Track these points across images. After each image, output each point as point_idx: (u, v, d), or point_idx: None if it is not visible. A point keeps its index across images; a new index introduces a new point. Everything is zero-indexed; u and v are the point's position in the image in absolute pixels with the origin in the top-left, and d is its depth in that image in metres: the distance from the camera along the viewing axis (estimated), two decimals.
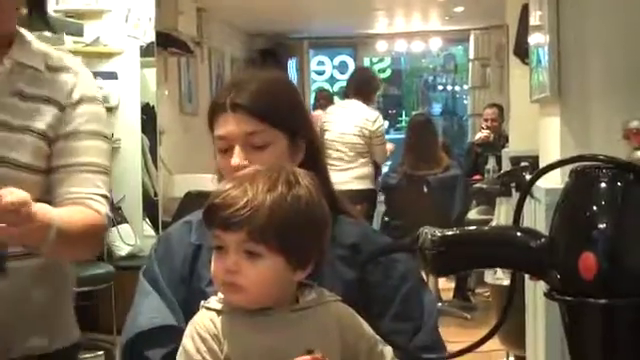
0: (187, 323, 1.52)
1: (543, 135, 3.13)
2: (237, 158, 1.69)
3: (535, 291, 2.92)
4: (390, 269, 1.75)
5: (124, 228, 6.26)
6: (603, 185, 1.03)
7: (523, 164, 3.93)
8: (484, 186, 5.71)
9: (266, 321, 1.45)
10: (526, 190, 1.12)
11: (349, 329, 1.49)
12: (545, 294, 1.08)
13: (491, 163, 6.47)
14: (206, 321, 1.46)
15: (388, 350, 1.51)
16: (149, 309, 1.72)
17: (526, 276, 2.93)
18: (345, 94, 6.87)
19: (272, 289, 1.44)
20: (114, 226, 6.16)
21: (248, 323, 1.44)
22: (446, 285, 7.14)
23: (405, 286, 1.76)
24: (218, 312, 1.46)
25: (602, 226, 1.01)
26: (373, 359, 1.50)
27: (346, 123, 6.35)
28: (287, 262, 1.43)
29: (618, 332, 1.03)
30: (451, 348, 1.80)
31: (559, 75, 2.82)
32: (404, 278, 1.76)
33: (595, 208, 1.03)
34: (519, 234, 1.11)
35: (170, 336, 1.66)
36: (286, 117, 1.74)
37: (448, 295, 6.87)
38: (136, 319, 1.72)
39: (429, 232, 1.16)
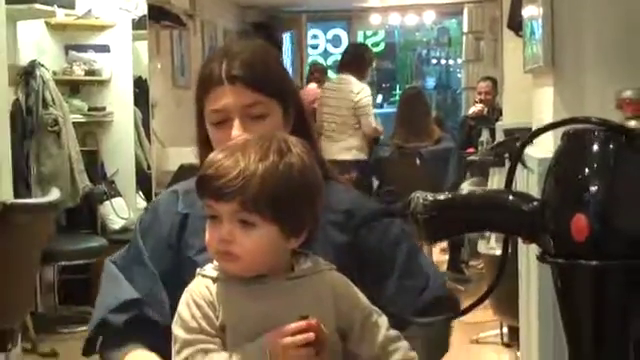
0: (175, 293, 1.52)
1: (536, 106, 3.12)
2: (237, 130, 1.67)
3: (528, 260, 2.92)
4: (385, 233, 1.76)
5: (117, 201, 6.27)
6: (595, 147, 1.03)
7: (517, 136, 3.93)
8: (477, 158, 5.72)
9: (261, 289, 1.45)
10: (518, 153, 1.12)
11: (343, 298, 1.50)
12: (537, 257, 1.08)
13: (485, 136, 6.46)
14: (202, 288, 1.46)
15: (383, 320, 1.52)
16: (115, 291, 1.74)
17: (519, 244, 2.93)
18: (339, 69, 7.11)
19: (267, 257, 1.45)
20: (108, 200, 6.17)
21: (243, 291, 1.45)
22: (440, 258, 7.17)
23: (404, 246, 1.77)
24: (214, 279, 1.47)
25: (594, 188, 1.01)
26: (368, 328, 1.51)
27: (338, 98, 6.66)
28: (281, 230, 1.44)
29: (609, 294, 1.03)
30: None
31: (552, 46, 2.81)
32: (400, 240, 1.77)
33: (587, 170, 1.02)
34: (511, 198, 1.11)
35: (135, 305, 1.69)
36: (279, 87, 1.74)
37: (442, 268, 6.88)
38: (102, 304, 1.74)
39: (421, 197, 1.16)
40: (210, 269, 1.49)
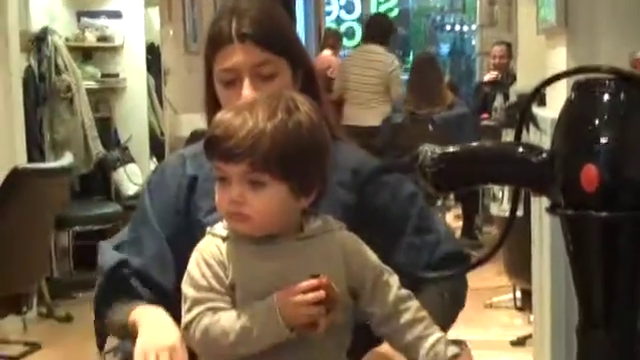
0: (185, 255, 1.52)
1: (549, 67, 3.10)
2: (247, 90, 1.66)
3: (541, 223, 2.92)
4: (395, 192, 1.76)
5: (131, 168, 6.27)
6: (606, 97, 1.01)
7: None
8: (492, 123, 5.68)
9: (271, 248, 1.45)
10: (530, 100, 1.10)
11: (354, 256, 1.49)
12: (547, 209, 1.07)
13: (499, 101, 6.43)
14: (212, 247, 1.46)
15: (394, 279, 1.51)
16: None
17: (532, 208, 2.92)
18: (365, 40, 7.48)
19: (277, 217, 1.44)
20: (121, 166, 6.18)
21: (253, 250, 1.45)
22: (454, 224, 7.15)
23: (417, 204, 1.77)
24: (223, 238, 1.46)
25: (604, 138, 1.00)
26: (379, 287, 1.50)
27: (367, 67, 6.99)
28: (291, 189, 1.43)
29: (619, 245, 1.02)
30: None
31: (566, 6, 2.78)
32: (413, 197, 1.77)
33: (597, 120, 1.01)
34: (520, 149, 1.10)
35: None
36: (288, 45, 1.73)
37: (456, 234, 6.88)
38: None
39: (429, 150, 1.15)
40: (220, 228, 1.49)
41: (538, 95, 1.08)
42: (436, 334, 1.49)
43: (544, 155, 1.07)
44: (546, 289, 2.97)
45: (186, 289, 1.46)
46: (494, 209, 4.22)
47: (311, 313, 1.38)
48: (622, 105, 1.01)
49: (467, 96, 8.37)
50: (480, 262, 1.24)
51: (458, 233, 6.85)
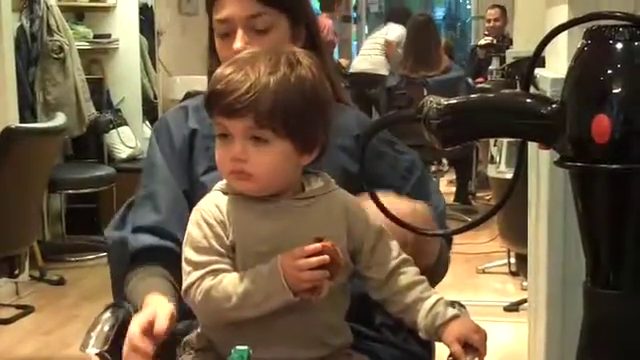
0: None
1: (549, 26, 3.04)
2: (239, 42, 1.64)
3: (538, 183, 2.88)
4: (396, 161, 1.75)
5: (124, 130, 6.22)
6: (619, 45, 0.97)
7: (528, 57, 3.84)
8: (487, 86, 5.65)
9: (273, 209, 1.42)
10: (536, 55, 1.06)
11: (356, 217, 1.46)
12: (555, 162, 1.03)
13: (494, 64, 6.39)
14: (212, 207, 1.42)
15: (394, 244, 1.49)
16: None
17: (529, 169, 2.87)
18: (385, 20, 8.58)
19: (280, 175, 1.41)
20: (114, 128, 6.13)
21: (255, 210, 1.41)
22: (447, 189, 7.14)
23: (413, 176, 1.77)
24: (224, 192, 1.43)
25: (617, 88, 0.96)
26: (378, 249, 1.48)
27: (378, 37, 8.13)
28: (294, 146, 1.40)
29: (631, 198, 0.99)
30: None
31: None
32: (411, 169, 1.76)
33: (610, 69, 0.97)
34: (529, 100, 1.06)
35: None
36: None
37: (449, 199, 6.86)
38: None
39: (434, 101, 1.11)
40: (220, 186, 1.46)
41: (548, 43, 1.04)
42: (435, 295, 1.47)
43: (554, 106, 1.03)
44: (542, 252, 2.95)
45: (187, 251, 1.42)
46: (492, 171, 4.20)
47: (314, 277, 1.35)
48: (636, 53, 0.97)
49: (462, 60, 8.33)
50: (483, 219, 1.21)
51: (451, 198, 6.83)
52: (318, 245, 1.35)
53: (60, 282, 4.97)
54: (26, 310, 4.50)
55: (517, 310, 4.29)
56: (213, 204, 1.43)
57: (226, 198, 1.43)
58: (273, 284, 1.35)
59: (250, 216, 1.41)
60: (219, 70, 1.42)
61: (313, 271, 1.34)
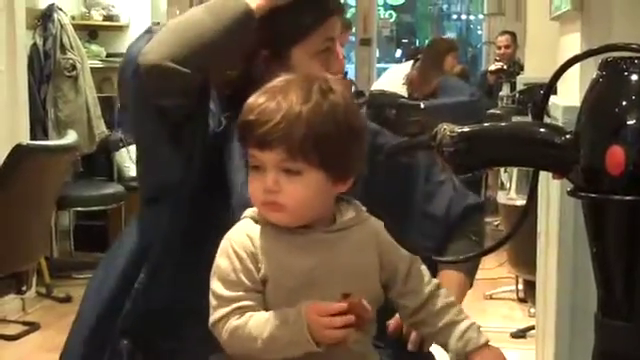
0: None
1: (562, 54, 3.05)
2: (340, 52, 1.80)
3: (548, 210, 2.88)
4: (408, 173, 1.82)
5: (134, 149, 6.22)
6: (634, 76, 0.97)
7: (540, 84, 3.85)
8: (498, 112, 5.64)
9: (305, 241, 1.40)
10: (550, 85, 1.06)
11: (387, 244, 1.41)
12: (569, 192, 1.03)
13: (505, 90, 6.38)
14: (243, 237, 1.39)
15: (425, 269, 1.49)
16: None
17: (539, 196, 2.87)
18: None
19: (313, 205, 1.39)
20: (124, 147, 6.14)
21: (286, 243, 1.39)
22: None
23: (420, 181, 1.87)
24: (255, 221, 1.41)
25: (632, 119, 0.96)
26: (412, 277, 1.47)
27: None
28: (327, 175, 1.38)
29: None
30: None
31: None
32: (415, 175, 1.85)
33: (625, 100, 0.97)
34: (542, 130, 1.06)
35: None
36: None
37: None
38: None
39: (447, 128, 1.11)
40: (251, 213, 1.44)
41: (562, 73, 1.04)
42: (467, 320, 1.47)
43: (567, 136, 1.03)
44: (551, 280, 2.94)
45: (214, 283, 1.39)
46: (502, 198, 4.19)
47: (337, 336, 1.33)
48: None
49: (472, 85, 8.30)
50: (493, 248, 1.20)
51: None
52: (344, 305, 1.33)
53: (67, 299, 4.96)
54: (32, 327, 4.50)
55: (524, 337, 4.27)
56: (244, 234, 1.40)
57: (258, 227, 1.40)
58: (297, 335, 1.33)
59: (282, 250, 1.39)
60: (251, 99, 1.40)
61: (337, 329, 1.32)
